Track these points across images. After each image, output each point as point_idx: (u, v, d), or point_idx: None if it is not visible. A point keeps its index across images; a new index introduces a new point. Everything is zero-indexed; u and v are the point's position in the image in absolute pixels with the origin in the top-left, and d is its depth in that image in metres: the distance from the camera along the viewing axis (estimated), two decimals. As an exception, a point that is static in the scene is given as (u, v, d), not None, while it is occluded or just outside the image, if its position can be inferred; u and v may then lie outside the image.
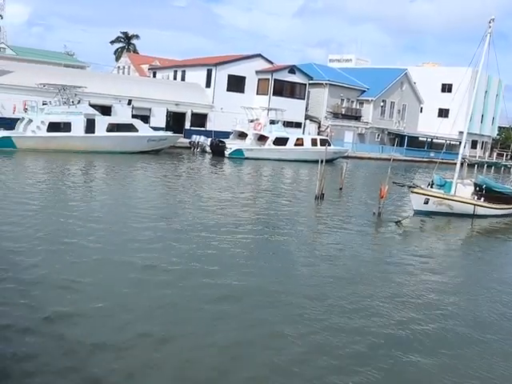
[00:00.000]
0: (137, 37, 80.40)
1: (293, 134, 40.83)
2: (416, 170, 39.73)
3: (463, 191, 21.11)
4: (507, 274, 13.78)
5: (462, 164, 22.38)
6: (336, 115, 54.71)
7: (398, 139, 58.39)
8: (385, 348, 7.86)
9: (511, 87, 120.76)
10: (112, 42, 79.64)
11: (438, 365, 7.56)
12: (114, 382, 6.40)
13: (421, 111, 63.95)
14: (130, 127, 32.60)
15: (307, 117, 51.93)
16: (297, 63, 52.08)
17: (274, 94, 47.46)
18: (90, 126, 30.65)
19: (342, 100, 55.83)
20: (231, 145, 37.49)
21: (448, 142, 49.25)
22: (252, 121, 40.50)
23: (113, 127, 31.85)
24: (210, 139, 38.65)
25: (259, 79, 48.11)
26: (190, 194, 20.58)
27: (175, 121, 43.66)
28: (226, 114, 44.13)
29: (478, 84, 22.37)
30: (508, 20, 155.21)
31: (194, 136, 40.41)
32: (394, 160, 27.61)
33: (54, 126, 29.56)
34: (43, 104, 31.51)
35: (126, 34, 79.79)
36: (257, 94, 47.95)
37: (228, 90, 46.24)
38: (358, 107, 57.72)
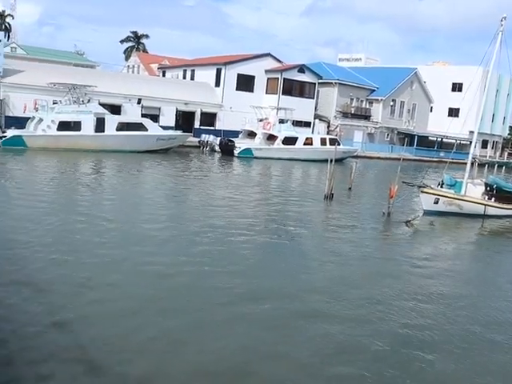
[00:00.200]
0: (146, 36, 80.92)
1: (302, 134, 40.72)
2: (426, 170, 39.14)
3: (473, 191, 20.93)
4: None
5: (472, 164, 22.19)
6: (345, 114, 54.53)
7: (407, 139, 57.96)
8: (402, 347, 7.90)
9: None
10: (122, 42, 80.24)
11: (453, 365, 7.57)
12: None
13: (431, 110, 63.49)
14: (139, 126, 32.72)
15: (316, 116, 51.80)
16: (306, 62, 51.89)
17: (284, 93, 47.39)
18: (100, 124, 30.80)
19: (352, 99, 55.60)
20: (240, 144, 37.46)
21: (458, 141, 48.90)
22: (261, 120, 40.39)
23: (122, 126, 31.97)
24: (219, 138, 38.73)
25: (268, 78, 48.09)
26: (199, 194, 20.62)
27: (184, 120, 43.76)
28: (235, 114, 44.20)
29: (489, 83, 22.16)
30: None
31: (204, 135, 40.53)
32: (403, 160, 27.49)
33: (64, 125, 29.72)
34: (53, 103, 31.79)
35: (135, 33, 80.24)
36: (266, 93, 47.92)
37: (237, 89, 46.27)
38: (367, 107, 57.45)
